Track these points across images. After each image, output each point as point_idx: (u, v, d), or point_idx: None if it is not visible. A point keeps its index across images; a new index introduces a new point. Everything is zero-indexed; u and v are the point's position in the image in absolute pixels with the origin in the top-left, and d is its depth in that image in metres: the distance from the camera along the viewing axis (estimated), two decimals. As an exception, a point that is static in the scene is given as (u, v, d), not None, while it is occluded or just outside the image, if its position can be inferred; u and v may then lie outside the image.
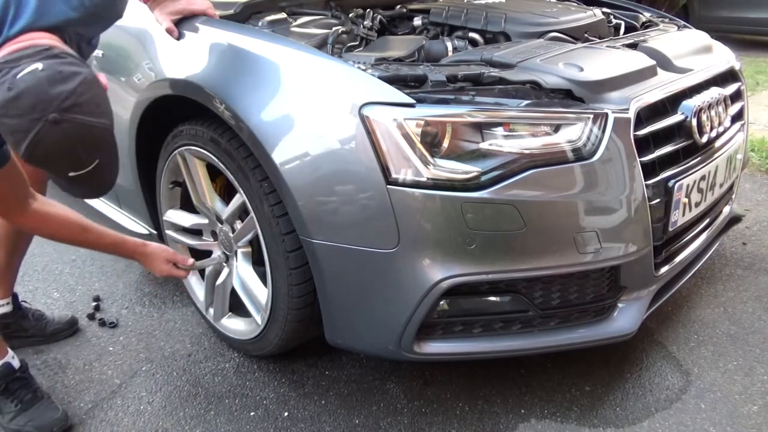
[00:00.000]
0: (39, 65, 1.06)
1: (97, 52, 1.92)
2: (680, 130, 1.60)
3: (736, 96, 1.91)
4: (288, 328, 1.62)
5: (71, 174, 1.12)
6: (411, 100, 1.34)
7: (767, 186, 3.00)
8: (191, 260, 1.70)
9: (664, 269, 1.61)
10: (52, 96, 1.05)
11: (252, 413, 1.64)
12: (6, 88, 1.04)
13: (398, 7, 2.22)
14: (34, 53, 1.08)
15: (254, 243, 1.71)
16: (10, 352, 1.63)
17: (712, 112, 1.67)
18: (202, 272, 1.92)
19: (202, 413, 1.64)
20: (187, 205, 1.91)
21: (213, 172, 1.77)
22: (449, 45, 1.83)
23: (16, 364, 1.63)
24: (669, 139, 1.56)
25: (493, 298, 1.46)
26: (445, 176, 1.32)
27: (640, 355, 1.80)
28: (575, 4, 2.34)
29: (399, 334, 1.44)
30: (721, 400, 1.63)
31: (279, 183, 1.45)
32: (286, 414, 1.63)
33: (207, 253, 1.88)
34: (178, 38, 1.65)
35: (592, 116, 1.39)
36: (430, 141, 1.33)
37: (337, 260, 1.44)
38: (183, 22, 1.67)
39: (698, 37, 2.04)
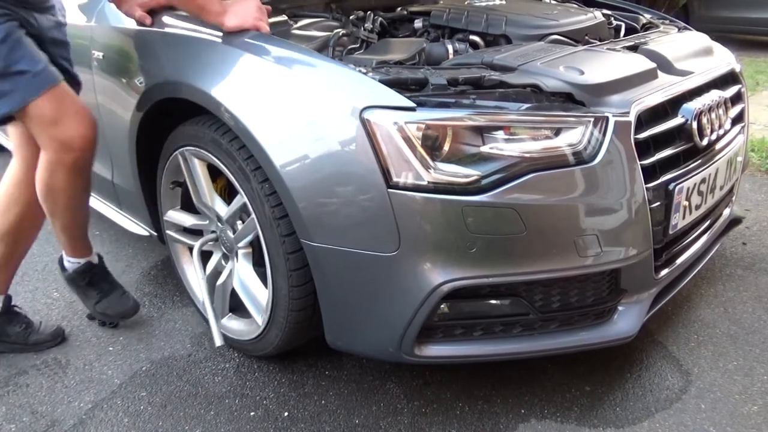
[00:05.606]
0: None
1: (98, 54, 1.93)
2: (681, 133, 1.60)
3: (737, 98, 1.91)
4: (288, 329, 1.62)
5: None
6: (412, 104, 1.34)
7: (767, 186, 3.00)
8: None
9: (664, 272, 1.61)
10: None
11: (252, 413, 1.64)
12: None
13: (399, 9, 2.22)
14: None
15: (255, 244, 1.72)
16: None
17: (713, 115, 1.67)
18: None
19: (202, 413, 1.64)
20: (188, 206, 1.92)
21: (213, 172, 1.77)
22: (450, 48, 1.84)
23: (95, 260, 1.96)
24: (669, 142, 1.56)
25: (493, 302, 1.46)
26: (446, 180, 1.32)
27: (640, 356, 1.80)
28: (576, 6, 2.34)
29: (399, 336, 1.44)
30: (721, 400, 1.63)
31: (279, 185, 1.45)
32: (286, 414, 1.64)
33: (208, 255, 1.89)
34: (151, 24, 1.74)
35: (592, 120, 1.39)
36: (431, 144, 1.33)
37: (338, 263, 1.44)
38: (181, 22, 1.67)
39: (698, 39, 2.04)
